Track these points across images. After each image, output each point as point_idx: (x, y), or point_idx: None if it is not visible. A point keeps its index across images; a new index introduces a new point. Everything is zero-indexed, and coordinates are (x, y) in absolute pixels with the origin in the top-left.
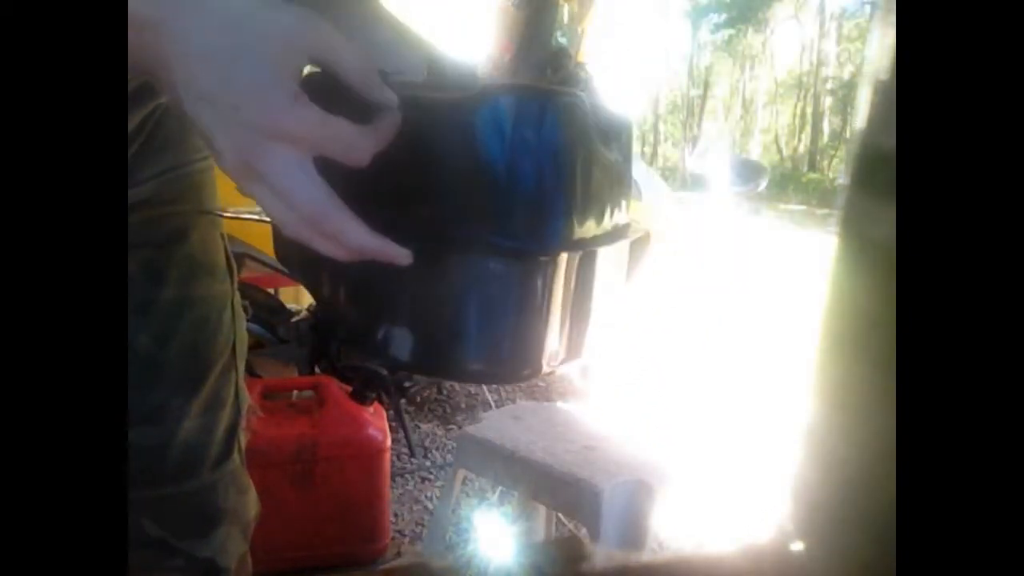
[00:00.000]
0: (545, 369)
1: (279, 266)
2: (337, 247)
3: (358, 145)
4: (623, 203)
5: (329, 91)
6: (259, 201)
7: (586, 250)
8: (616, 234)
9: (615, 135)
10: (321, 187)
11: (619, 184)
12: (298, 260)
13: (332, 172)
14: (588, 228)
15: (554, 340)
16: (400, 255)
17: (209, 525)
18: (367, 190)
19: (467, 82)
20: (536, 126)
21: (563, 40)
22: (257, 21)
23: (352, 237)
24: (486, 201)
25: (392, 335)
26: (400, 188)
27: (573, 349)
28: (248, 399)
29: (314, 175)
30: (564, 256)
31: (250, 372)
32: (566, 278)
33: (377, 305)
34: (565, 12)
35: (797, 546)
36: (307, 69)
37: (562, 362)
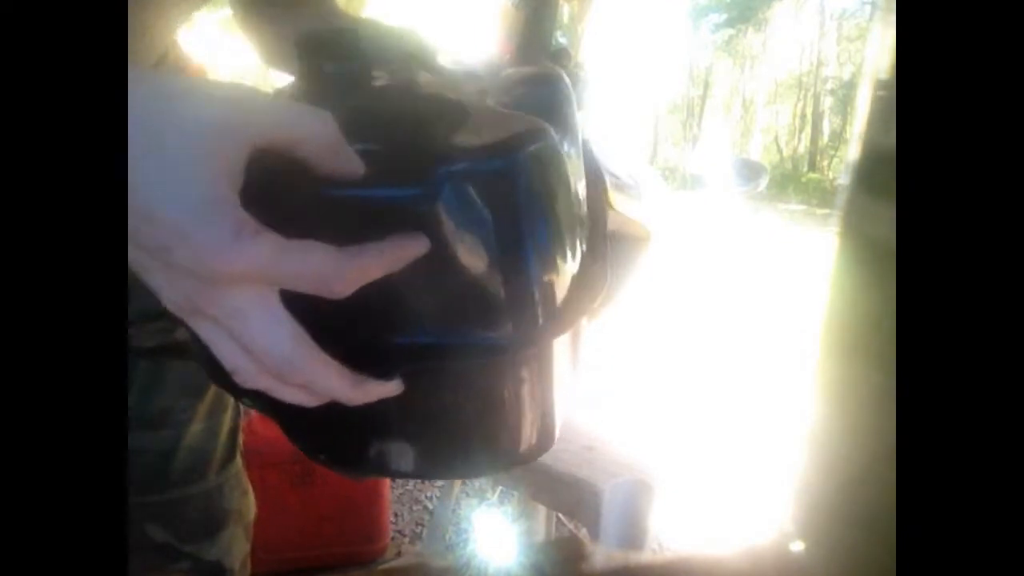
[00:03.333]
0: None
1: None
2: (307, 396)
3: (338, 276)
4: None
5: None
6: (211, 345)
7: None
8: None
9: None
10: (287, 330)
11: (582, 225)
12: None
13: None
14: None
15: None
16: (389, 390)
17: (215, 527)
18: (333, 314)
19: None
20: (502, 198)
21: (563, 40)
22: (178, 125)
23: (326, 387)
24: (470, 300)
25: (388, 451)
26: (376, 304)
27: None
28: None
29: (279, 315)
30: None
31: None
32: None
33: (362, 428)
34: (565, 12)
35: (797, 546)
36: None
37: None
